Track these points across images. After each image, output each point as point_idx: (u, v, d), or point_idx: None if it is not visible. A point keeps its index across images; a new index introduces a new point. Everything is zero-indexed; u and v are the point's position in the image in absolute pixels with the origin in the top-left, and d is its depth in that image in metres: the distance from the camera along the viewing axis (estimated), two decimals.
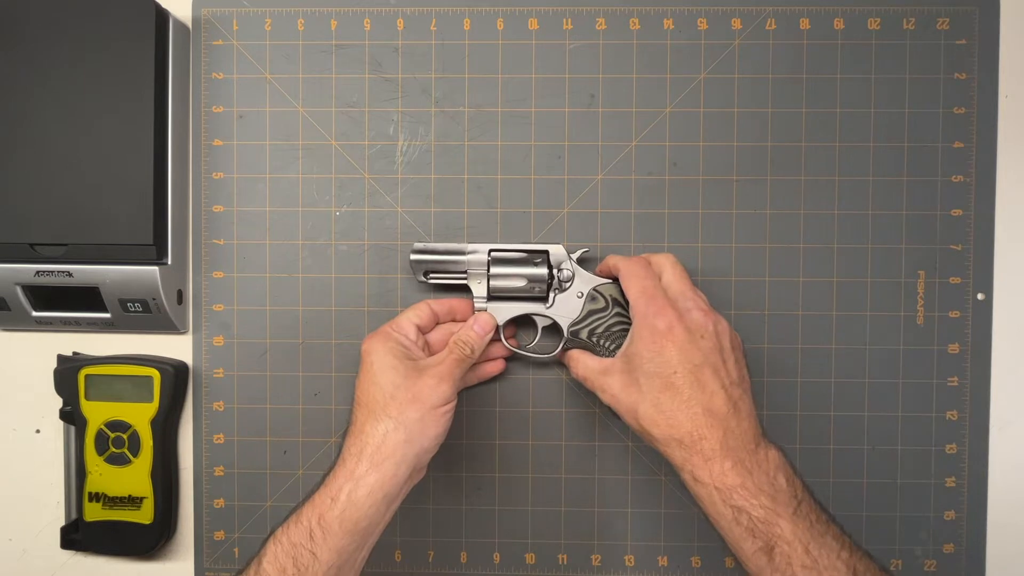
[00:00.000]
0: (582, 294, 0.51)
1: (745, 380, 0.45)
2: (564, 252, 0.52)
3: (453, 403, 0.47)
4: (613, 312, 0.51)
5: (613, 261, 0.50)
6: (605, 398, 0.48)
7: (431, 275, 0.53)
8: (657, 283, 0.47)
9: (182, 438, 0.57)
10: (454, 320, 0.53)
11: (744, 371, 0.45)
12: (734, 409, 0.43)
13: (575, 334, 0.51)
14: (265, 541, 0.44)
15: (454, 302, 0.53)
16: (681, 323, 0.44)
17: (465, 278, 0.52)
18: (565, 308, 0.51)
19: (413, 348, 0.49)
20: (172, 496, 0.56)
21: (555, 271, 0.51)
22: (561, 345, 0.52)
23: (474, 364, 0.53)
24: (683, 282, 0.47)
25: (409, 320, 0.50)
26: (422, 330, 0.51)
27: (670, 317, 0.45)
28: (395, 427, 0.44)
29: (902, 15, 0.54)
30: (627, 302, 0.48)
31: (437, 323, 0.53)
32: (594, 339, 0.51)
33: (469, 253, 0.52)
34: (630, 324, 0.48)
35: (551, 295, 0.52)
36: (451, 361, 0.48)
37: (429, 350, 0.51)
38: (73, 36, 0.51)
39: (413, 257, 0.52)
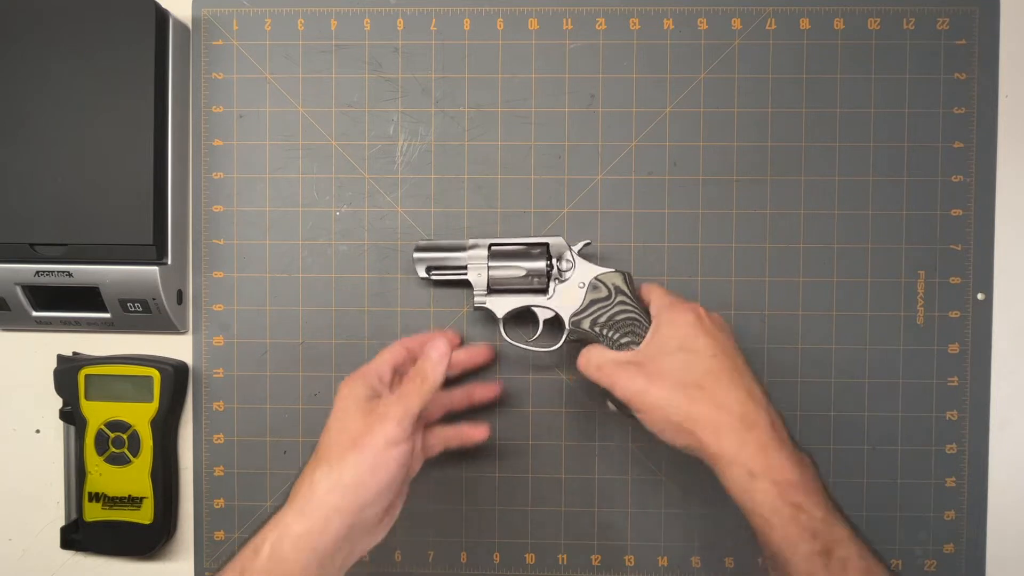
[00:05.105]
0: (583, 284, 0.51)
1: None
2: (564, 243, 0.51)
3: (401, 447, 0.42)
4: (616, 300, 0.50)
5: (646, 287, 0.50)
6: (624, 392, 0.44)
7: (433, 272, 0.53)
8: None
9: (182, 438, 0.57)
10: None
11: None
12: (769, 400, 0.42)
13: (577, 324, 0.50)
14: None
15: (427, 336, 0.50)
16: (708, 315, 0.45)
17: (466, 273, 0.52)
18: (566, 298, 0.51)
19: (384, 390, 0.46)
20: (172, 496, 0.56)
21: (554, 261, 0.51)
22: (564, 336, 0.51)
23: (464, 386, 0.50)
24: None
25: (385, 360, 0.47)
26: (399, 370, 0.48)
27: (698, 310, 0.45)
28: (326, 473, 0.41)
29: (902, 15, 0.54)
30: (631, 291, 0.48)
31: (414, 360, 0.47)
32: (597, 329, 0.50)
33: (470, 248, 0.52)
34: (635, 313, 0.48)
35: (551, 285, 0.51)
36: (397, 396, 0.43)
37: None
38: (73, 36, 0.51)
39: (416, 255, 0.52)
